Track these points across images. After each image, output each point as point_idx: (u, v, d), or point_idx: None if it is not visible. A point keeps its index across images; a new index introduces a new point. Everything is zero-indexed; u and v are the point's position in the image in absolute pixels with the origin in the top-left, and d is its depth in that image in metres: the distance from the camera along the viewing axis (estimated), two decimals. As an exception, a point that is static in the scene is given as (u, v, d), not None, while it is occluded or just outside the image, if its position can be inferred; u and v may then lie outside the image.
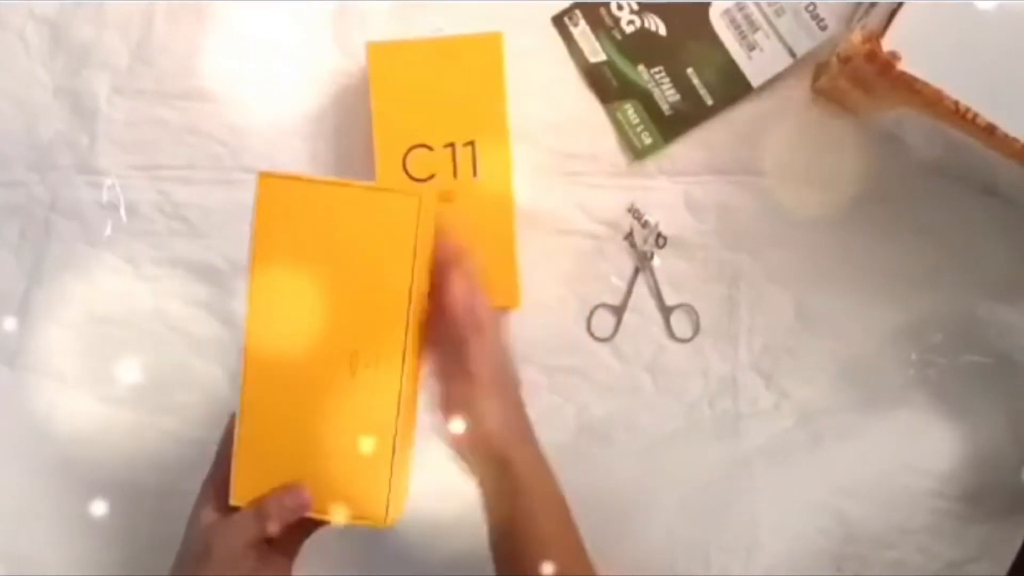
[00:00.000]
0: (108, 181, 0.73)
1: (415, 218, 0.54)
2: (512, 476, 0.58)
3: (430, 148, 0.68)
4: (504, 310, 0.71)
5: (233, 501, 0.54)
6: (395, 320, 0.54)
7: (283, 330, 0.54)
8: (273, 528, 0.53)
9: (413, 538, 0.71)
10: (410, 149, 0.68)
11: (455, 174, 0.68)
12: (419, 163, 0.68)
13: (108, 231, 0.73)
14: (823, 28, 0.71)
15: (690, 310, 0.73)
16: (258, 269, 0.54)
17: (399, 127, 0.68)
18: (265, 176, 0.53)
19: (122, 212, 0.73)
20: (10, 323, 0.73)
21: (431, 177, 0.68)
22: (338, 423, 0.55)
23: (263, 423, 0.55)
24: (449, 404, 0.57)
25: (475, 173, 0.68)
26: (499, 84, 0.68)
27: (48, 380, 0.73)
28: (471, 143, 0.68)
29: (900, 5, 0.60)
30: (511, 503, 0.59)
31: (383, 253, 0.54)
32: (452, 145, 0.68)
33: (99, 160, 0.73)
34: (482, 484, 0.60)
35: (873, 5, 0.66)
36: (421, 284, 0.55)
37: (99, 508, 0.70)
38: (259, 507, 0.54)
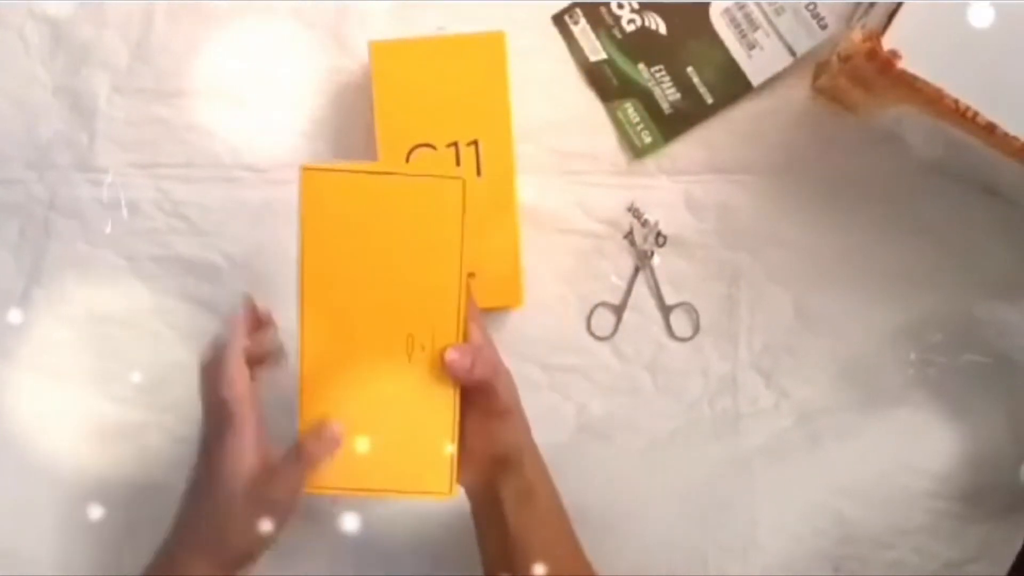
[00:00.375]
0: (108, 179, 0.73)
1: (460, 200, 0.55)
2: (525, 483, 0.60)
3: (433, 148, 0.68)
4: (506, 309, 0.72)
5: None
6: (448, 302, 0.57)
7: (337, 321, 0.56)
8: (316, 466, 0.55)
9: (407, 538, 0.71)
10: (413, 148, 0.68)
11: (458, 174, 0.68)
12: (422, 162, 0.68)
13: (108, 229, 0.73)
14: (823, 27, 0.71)
15: (690, 309, 0.73)
16: (308, 263, 0.55)
17: (402, 126, 0.68)
18: (307, 169, 0.55)
19: (122, 210, 0.73)
20: (9, 321, 0.73)
21: (435, 176, 0.68)
22: (398, 404, 0.57)
23: (323, 411, 0.57)
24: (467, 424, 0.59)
25: (479, 172, 0.68)
26: (502, 83, 0.68)
27: (48, 378, 0.73)
28: (474, 142, 0.68)
29: (900, 4, 0.60)
30: (519, 510, 0.59)
31: (431, 236, 0.56)
32: (455, 144, 0.68)
33: (99, 158, 0.73)
34: (485, 494, 0.60)
35: (873, 4, 0.66)
36: (467, 265, 0.57)
37: (98, 507, 0.70)
38: (299, 449, 0.56)
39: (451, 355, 0.56)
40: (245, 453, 0.55)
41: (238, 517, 0.55)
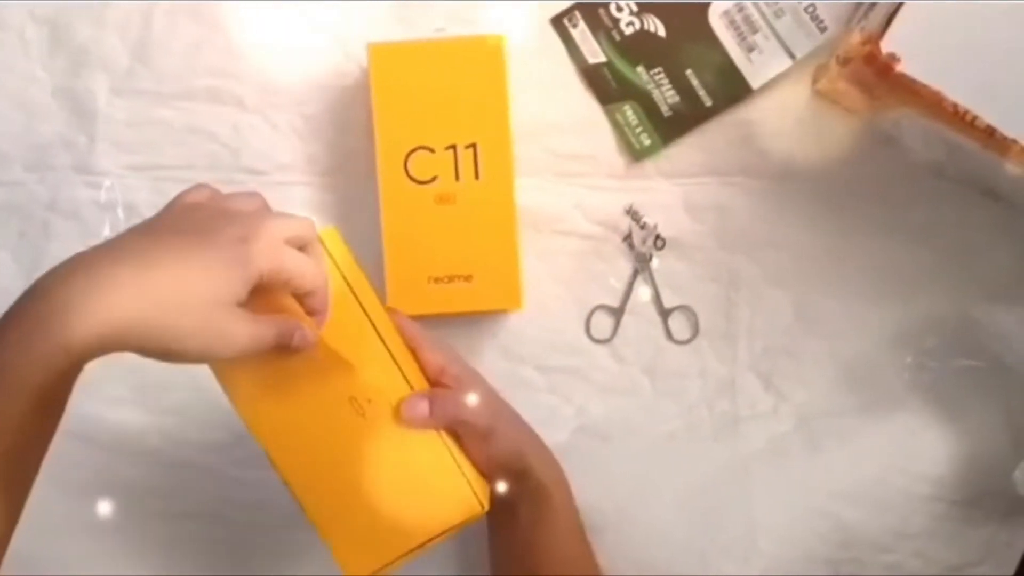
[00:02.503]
0: (107, 181, 0.73)
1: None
2: (536, 483, 0.60)
3: (432, 150, 0.68)
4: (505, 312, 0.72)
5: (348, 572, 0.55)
6: (371, 351, 0.56)
7: (294, 430, 0.55)
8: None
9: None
10: (412, 151, 0.68)
11: (457, 176, 0.68)
12: (421, 165, 0.68)
13: (107, 231, 0.73)
14: (822, 29, 0.71)
15: (689, 312, 0.73)
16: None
17: (400, 129, 0.68)
18: None
19: (120, 212, 0.73)
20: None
21: (433, 179, 0.68)
22: (386, 459, 0.56)
23: (327, 503, 0.55)
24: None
25: (477, 175, 0.68)
26: (501, 86, 0.68)
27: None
28: (473, 145, 0.68)
29: (899, 6, 0.60)
30: (533, 510, 0.60)
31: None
32: (454, 147, 0.68)
33: (98, 160, 0.73)
34: (500, 500, 0.60)
35: (872, 6, 0.66)
36: (376, 303, 0.57)
37: (100, 509, 0.71)
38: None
39: (403, 411, 0.55)
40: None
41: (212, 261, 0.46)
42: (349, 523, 0.55)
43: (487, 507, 0.57)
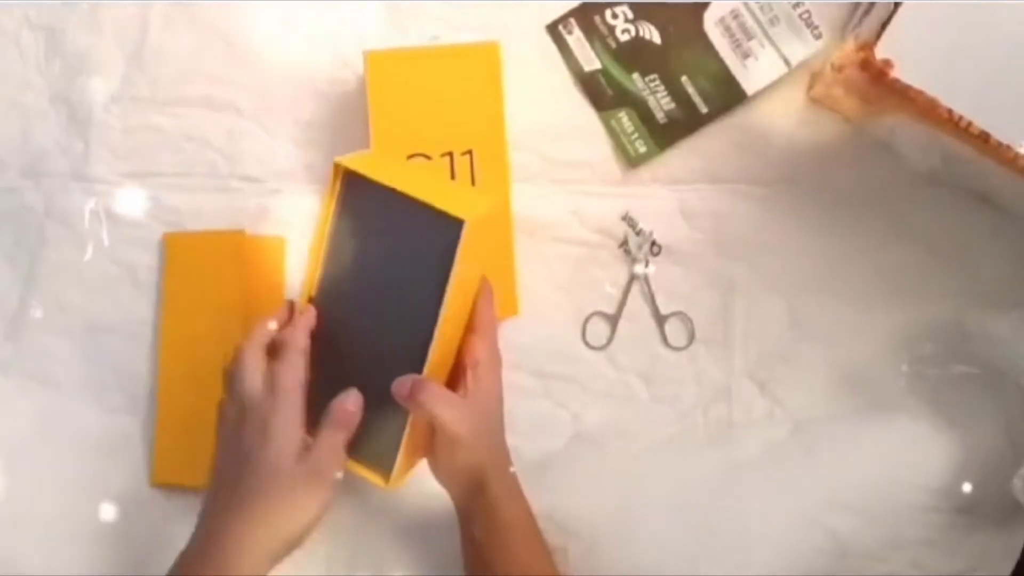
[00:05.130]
0: (103, 188, 0.73)
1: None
2: (488, 502, 0.61)
3: (428, 157, 0.68)
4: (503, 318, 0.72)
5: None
6: None
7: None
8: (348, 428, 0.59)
9: (400, 539, 0.71)
10: (408, 158, 0.68)
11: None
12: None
13: (103, 238, 0.73)
14: (817, 36, 0.71)
15: (685, 318, 0.73)
16: None
17: (397, 136, 0.68)
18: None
19: (117, 219, 0.73)
20: (4, 330, 0.73)
21: (429, 187, 0.68)
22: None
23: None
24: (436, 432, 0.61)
25: (473, 182, 0.68)
26: (497, 93, 0.68)
27: (42, 387, 0.73)
28: (469, 152, 0.68)
29: (893, 13, 0.60)
30: (485, 527, 0.62)
31: None
32: (450, 154, 0.68)
33: (94, 167, 0.73)
34: (458, 506, 0.64)
35: (867, 13, 0.66)
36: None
37: (98, 516, 0.70)
38: (330, 415, 0.59)
39: (393, 383, 0.58)
40: (282, 431, 0.57)
41: (291, 490, 0.57)
42: None
43: (388, 486, 0.61)
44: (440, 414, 0.58)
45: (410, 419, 0.60)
